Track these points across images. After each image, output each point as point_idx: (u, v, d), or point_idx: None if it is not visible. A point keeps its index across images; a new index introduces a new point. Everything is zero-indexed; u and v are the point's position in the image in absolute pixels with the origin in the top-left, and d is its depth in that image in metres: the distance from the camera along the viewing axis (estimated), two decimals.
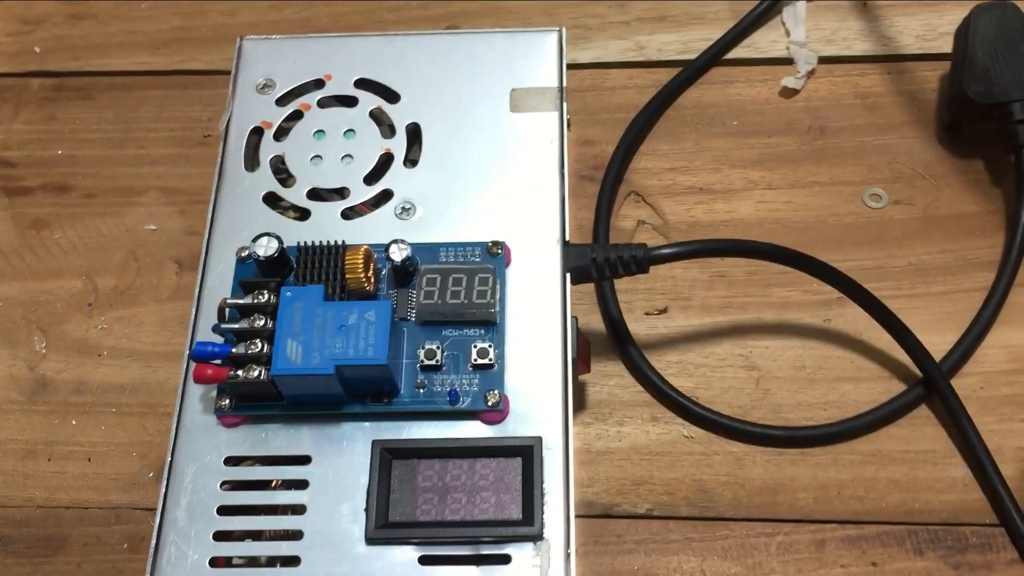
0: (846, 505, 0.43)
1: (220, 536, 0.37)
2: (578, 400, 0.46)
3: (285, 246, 0.40)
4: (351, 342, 0.36)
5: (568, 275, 0.41)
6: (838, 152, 0.52)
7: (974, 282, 0.47)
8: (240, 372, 0.37)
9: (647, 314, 0.48)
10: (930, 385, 0.44)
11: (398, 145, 0.45)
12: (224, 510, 0.37)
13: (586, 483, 0.44)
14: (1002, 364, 0.45)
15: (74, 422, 0.47)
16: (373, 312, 0.37)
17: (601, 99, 0.54)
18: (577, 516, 0.43)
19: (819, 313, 0.47)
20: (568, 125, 0.47)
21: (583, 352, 0.42)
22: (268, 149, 0.45)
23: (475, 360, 0.38)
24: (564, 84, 0.46)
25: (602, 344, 0.47)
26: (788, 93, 0.54)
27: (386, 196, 0.44)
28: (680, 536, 0.43)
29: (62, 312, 0.50)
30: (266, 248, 0.40)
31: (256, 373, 0.37)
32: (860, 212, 0.50)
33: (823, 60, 0.54)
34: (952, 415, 0.43)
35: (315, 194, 0.44)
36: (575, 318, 0.41)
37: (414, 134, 0.45)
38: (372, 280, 0.40)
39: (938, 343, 0.46)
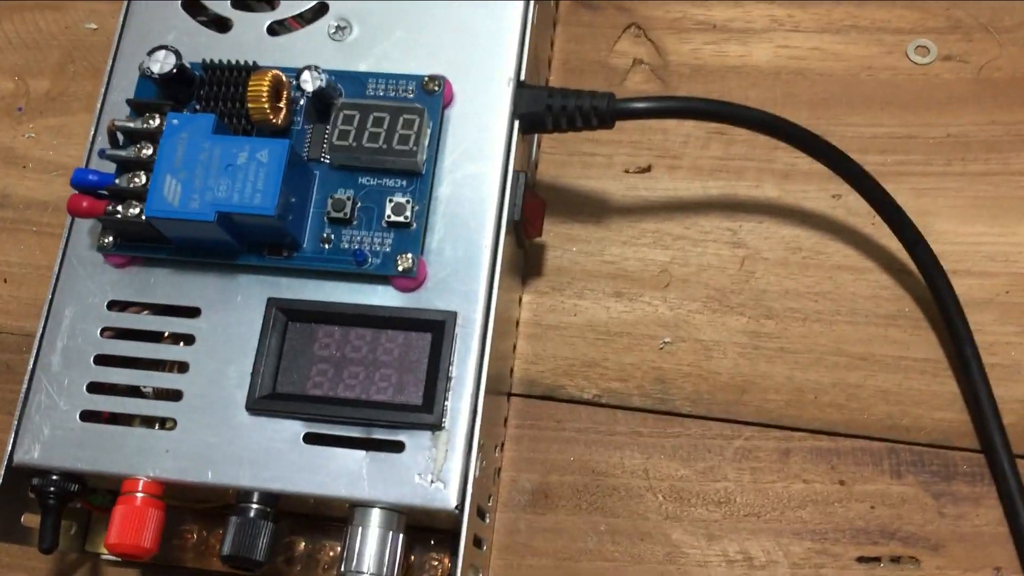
0: (822, 413, 0.37)
1: (94, 388, 0.33)
2: (534, 266, 0.40)
3: (193, 62, 0.35)
4: (237, 185, 0.31)
5: (517, 122, 0.35)
6: None
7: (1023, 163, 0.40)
8: (119, 208, 0.32)
9: (626, 171, 0.41)
10: (938, 302, 0.37)
11: None
12: (101, 359, 0.33)
13: (531, 359, 0.39)
14: None
15: None
16: (266, 152, 0.31)
17: None
18: (515, 395, 0.39)
19: (829, 187, 0.40)
20: None
21: (534, 214, 0.36)
22: None
23: (389, 216, 0.33)
24: None
25: (572, 206, 0.41)
26: None
27: (321, 10, 0.37)
28: (627, 429, 0.38)
29: None
30: (162, 63, 0.34)
31: (135, 211, 0.32)
32: (900, 67, 0.42)
33: None
34: (954, 339, 0.36)
35: (241, 2, 0.38)
36: (522, 173, 0.35)
37: None
38: (282, 112, 0.34)
39: (965, 234, 0.39)
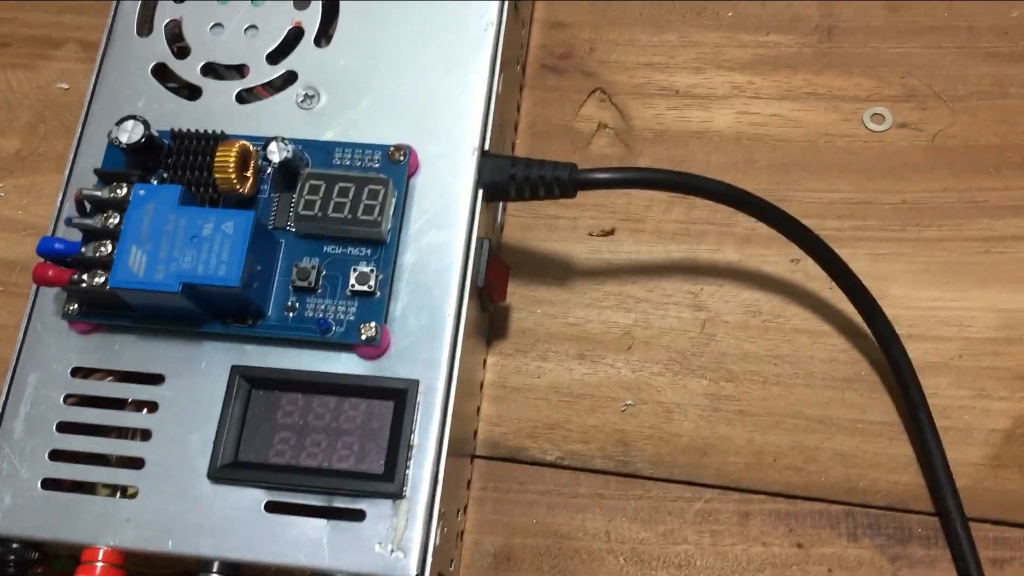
0: (781, 475, 0.38)
1: (56, 455, 0.33)
2: (498, 328, 0.40)
3: (162, 130, 0.35)
4: (202, 256, 0.32)
5: (481, 191, 0.36)
6: (845, 59, 0.44)
7: (976, 229, 0.40)
8: (84, 277, 0.33)
9: (591, 235, 0.42)
10: (893, 367, 0.38)
11: (311, 18, 0.38)
12: (64, 427, 0.34)
13: (495, 421, 0.39)
14: (990, 331, 0.39)
15: None
16: (231, 223, 0.32)
17: None
18: (479, 457, 0.39)
19: (788, 251, 0.41)
20: (517, 8, 0.41)
21: (498, 279, 0.37)
22: (165, 12, 0.39)
23: (354, 286, 0.33)
24: None
25: (537, 268, 0.41)
26: None
27: (290, 79, 0.38)
28: (589, 491, 0.38)
29: None
30: (130, 134, 0.34)
31: (100, 280, 0.32)
32: (857, 134, 0.43)
33: None
34: (908, 403, 0.37)
35: (210, 69, 0.38)
36: (486, 240, 0.35)
37: (331, 7, 0.39)
38: (248, 181, 0.34)
39: (919, 298, 0.40)
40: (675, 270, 0.41)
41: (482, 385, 0.40)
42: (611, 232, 0.42)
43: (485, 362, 0.40)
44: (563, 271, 0.41)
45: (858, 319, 0.39)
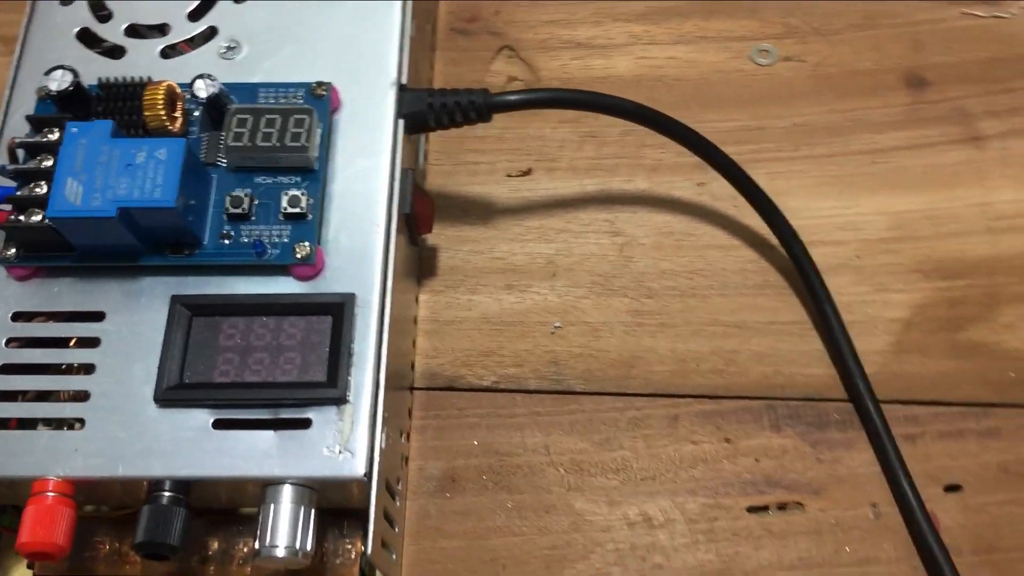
0: (704, 379, 0.40)
1: (2, 397, 0.34)
2: (428, 266, 0.42)
3: (91, 84, 0.37)
4: (137, 182, 0.33)
5: (401, 121, 0.37)
6: (730, 6, 0.48)
7: (861, 144, 0.44)
8: (22, 217, 0.33)
9: (509, 176, 0.44)
10: (799, 269, 0.40)
11: None
12: (8, 369, 0.34)
13: (431, 354, 0.41)
14: (882, 232, 0.42)
15: None
16: (164, 150, 0.33)
17: None
18: (418, 389, 0.40)
19: (693, 176, 0.44)
20: None
21: (423, 211, 0.39)
22: None
23: (286, 208, 0.35)
24: None
25: (460, 210, 0.43)
26: None
27: (211, 34, 0.39)
28: (526, 410, 0.40)
29: None
30: (60, 81, 0.36)
31: (37, 217, 0.33)
32: (746, 69, 0.46)
33: None
34: (815, 301, 0.40)
35: (134, 31, 0.40)
36: (409, 170, 0.37)
37: None
38: (178, 120, 0.36)
39: (817, 208, 0.43)
40: (591, 201, 0.43)
41: (416, 321, 0.41)
42: (528, 172, 0.44)
43: (417, 299, 0.42)
44: (486, 211, 0.43)
45: (763, 231, 0.42)
